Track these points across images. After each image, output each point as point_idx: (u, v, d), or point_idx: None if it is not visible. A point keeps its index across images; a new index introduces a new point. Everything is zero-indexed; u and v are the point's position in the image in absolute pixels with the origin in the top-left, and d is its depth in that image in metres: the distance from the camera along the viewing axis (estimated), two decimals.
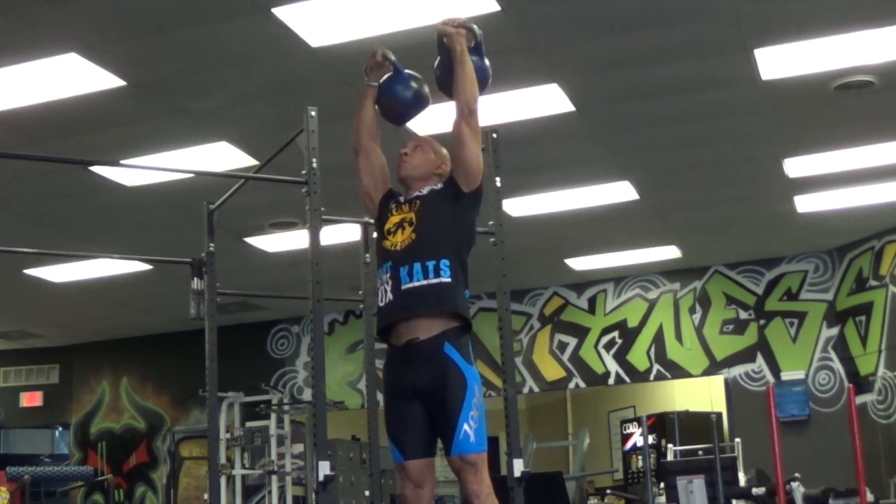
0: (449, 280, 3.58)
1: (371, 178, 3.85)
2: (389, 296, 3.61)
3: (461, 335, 3.60)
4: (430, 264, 3.58)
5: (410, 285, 3.58)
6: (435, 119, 6.63)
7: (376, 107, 3.90)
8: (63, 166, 7.16)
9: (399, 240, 3.66)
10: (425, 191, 3.76)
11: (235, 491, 8.88)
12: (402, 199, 3.80)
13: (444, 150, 3.85)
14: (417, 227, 3.65)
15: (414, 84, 3.90)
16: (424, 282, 3.57)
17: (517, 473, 4.00)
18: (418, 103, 3.92)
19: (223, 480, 8.42)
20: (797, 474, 8.02)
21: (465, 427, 3.49)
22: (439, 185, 3.77)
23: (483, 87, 3.85)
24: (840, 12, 5.56)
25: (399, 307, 3.59)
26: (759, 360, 10.49)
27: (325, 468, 3.69)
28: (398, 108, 3.90)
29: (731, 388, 10.59)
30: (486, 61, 3.93)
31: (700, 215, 9.20)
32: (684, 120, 6.97)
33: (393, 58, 3.85)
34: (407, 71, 3.91)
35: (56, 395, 13.16)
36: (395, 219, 3.72)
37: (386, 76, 3.90)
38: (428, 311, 3.56)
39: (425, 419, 3.57)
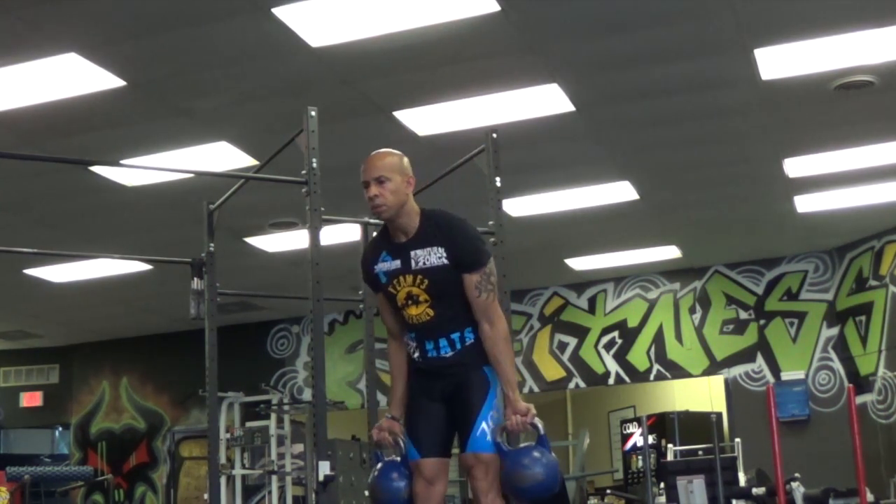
0: (474, 341, 3.60)
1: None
2: (420, 360, 3.66)
3: None
4: (455, 336, 3.60)
5: (437, 357, 3.62)
6: (439, 119, 6.66)
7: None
8: (63, 166, 7.16)
9: (415, 314, 3.61)
10: (428, 262, 3.53)
11: (235, 491, 8.87)
12: (396, 262, 3.57)
13: (405, 160, 3.62)
14: (432, 305, 3.57)
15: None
16: (451, 352, 3.61)
17: None
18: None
19: (223, 480, 8.42)
20: (797, 474, 8.01)
21: (484, 425, 3.53)
22: (444, 259, 3.51)
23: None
24: (840, 12, 5.56)
25: (429, 367, 3.64)
26: (759, 360, 10.49)
27: (325, 468, 3.70)
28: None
29: (731, 388, 10.59)
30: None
31: (700, 215, 9.20)
32: (684, 120, 6.96)
33: (402, 445, 3.69)
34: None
35: (56, 395, 13.15)
36: (402, 292, 3.58)
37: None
38: (457, 371, 3.60)
39: (446, 419, 3.61)
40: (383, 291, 3.66)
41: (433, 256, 3.53)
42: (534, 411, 3.49)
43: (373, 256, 3.67)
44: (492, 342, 3.54)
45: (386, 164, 3.56)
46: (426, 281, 3.53)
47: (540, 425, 3.51)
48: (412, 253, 3.55)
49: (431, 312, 3.57)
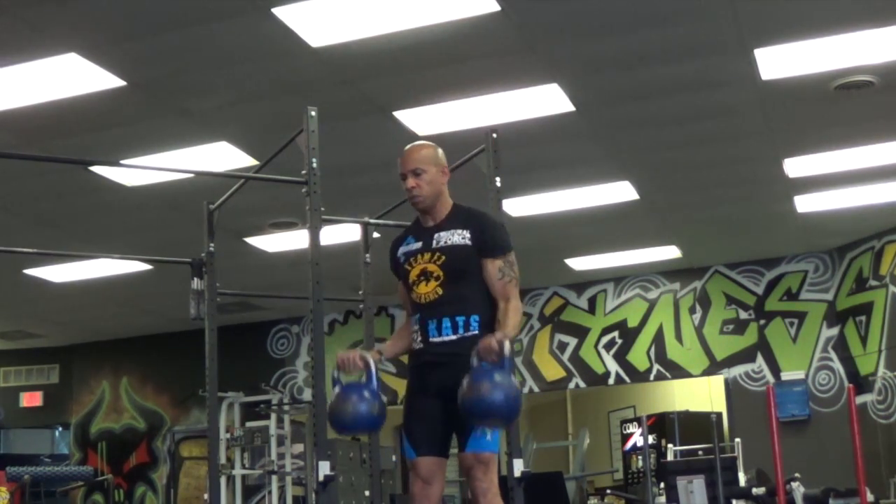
0: (478, 333, 3.57)
1: None
2: (420, 344, 3.65)
3: None
4: (460, 320, 3.60)
5: (438, 339, 3.60)
6: (439, 119, 6.66)
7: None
8: (63, 166, 7.16)
9: (424, 292, 3.64)
10: (450, 241, 3.65)
11: (235, 491, 8.87)
12: (418, 244, 3.70)
13: (439, 152, 3.78)
14: (443, 283, 3.61)
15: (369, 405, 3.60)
16: (453, 336, 3.59)
17: (517, 473, 4.00)
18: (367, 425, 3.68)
19: (223, 480, 8.42)
20: (797, 474, 8.02)
21: None
22: (467, 240, 3.64)
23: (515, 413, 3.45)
24: (840, 12, 5.56)
25: (428, 354, 3.62)
26: (759, 360, 10.49)
27: (325, 468, 3.70)
28: (349, 422, 3.62)
29: (731, 388, 10.59)
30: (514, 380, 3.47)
31: (700, 215, 9.20)
32: (684, 120, 6.96)
33: (372, 368, 3.62)
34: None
35: (56, 395, 13.16)
36: (416, 269, 3.67)
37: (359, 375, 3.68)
38: (456, 362, 3.53)
39: (443, 417, 3.58)
40: (402, 273, 3.73)
41: (456, 236, 3.67)
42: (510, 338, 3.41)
43: (400, 243, 3.80)
44: (503, 311, 3.58)
45: (422, 157, 3.73)
46: (443, 257, 3.64)
47: (507, 347, 3.35)
48: (436, 235, 3.69)
49: (441, 291, 3.60)
